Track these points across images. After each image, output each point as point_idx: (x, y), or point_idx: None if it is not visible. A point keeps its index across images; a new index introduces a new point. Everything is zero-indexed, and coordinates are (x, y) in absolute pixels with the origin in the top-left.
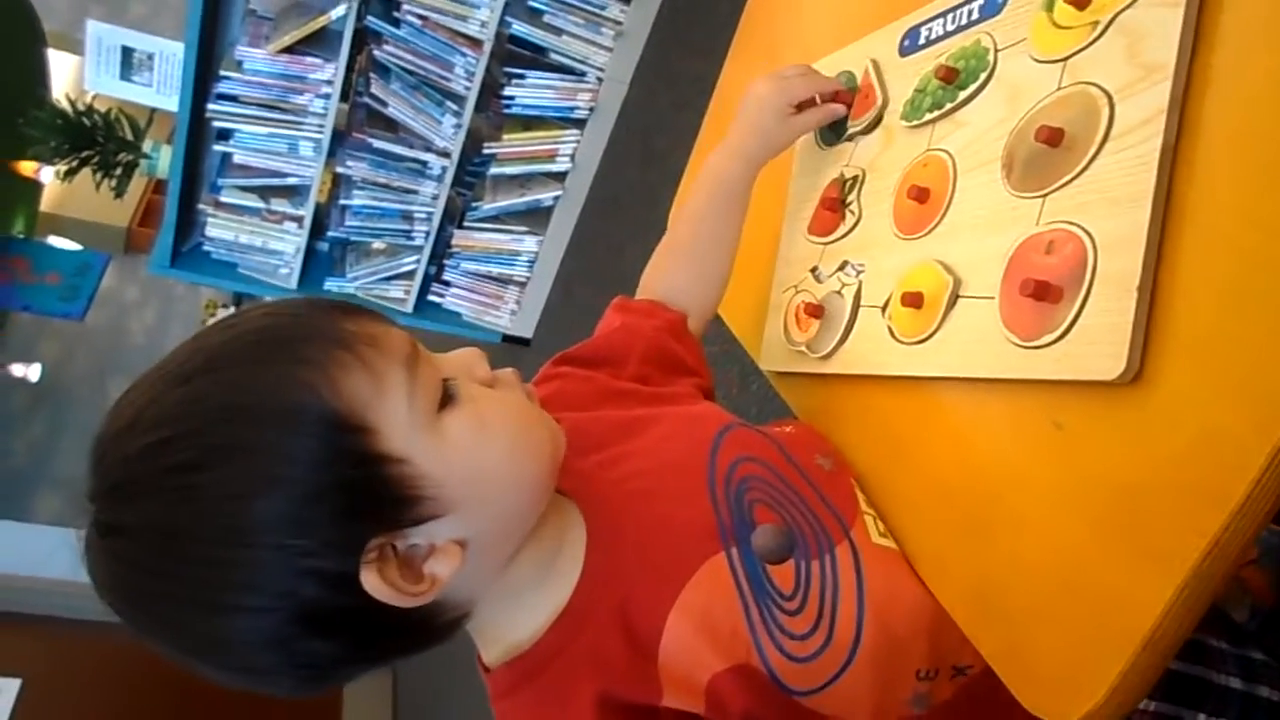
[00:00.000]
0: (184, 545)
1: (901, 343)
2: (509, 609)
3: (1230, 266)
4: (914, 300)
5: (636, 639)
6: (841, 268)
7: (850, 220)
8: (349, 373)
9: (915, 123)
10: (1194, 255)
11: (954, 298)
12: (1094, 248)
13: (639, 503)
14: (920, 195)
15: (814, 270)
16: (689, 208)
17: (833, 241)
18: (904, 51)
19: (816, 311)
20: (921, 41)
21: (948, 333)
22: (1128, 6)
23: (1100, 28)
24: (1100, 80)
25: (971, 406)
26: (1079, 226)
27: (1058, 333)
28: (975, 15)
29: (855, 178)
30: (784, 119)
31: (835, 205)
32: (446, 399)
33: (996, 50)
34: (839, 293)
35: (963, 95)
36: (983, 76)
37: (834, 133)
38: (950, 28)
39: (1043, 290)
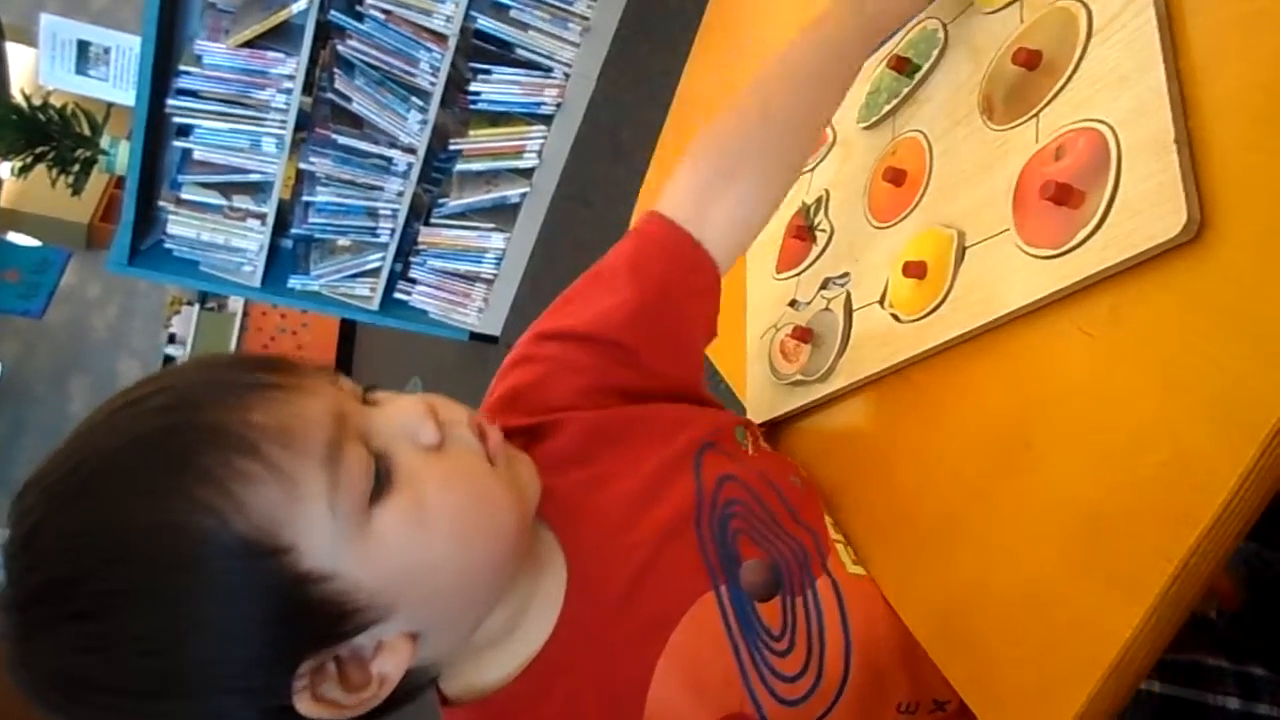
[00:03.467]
0: (97, 696)
1: (910, 322)
2: (476, 654)
3: (1260, 108)
4: (917, 270)
5: (618, 695)
6: (823, 286)
7: (822, 239)
8: (256, 487)
9: (874, 120)
10: (1219, 107)
11: (961, 251)
12: (1111, 130)
13: (624, 535)
14: (897, 177)
15: (792, 303)
16: (776, 70)
17: (807, 267)
18: None
19: (805, 335)
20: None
21: (962, 288)
22: None
23: None
24: None
25: (937, 420)
26: (1087, 120)
27: (1094, 222)
28: None
29: (819, 199)
30: None
31: (803, 233)
32: (381, 484)
33: (945, 26)
34: (826, 309)
35: (919, 75)
36: (935, 53)
37: None
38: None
39: (1064, 193)
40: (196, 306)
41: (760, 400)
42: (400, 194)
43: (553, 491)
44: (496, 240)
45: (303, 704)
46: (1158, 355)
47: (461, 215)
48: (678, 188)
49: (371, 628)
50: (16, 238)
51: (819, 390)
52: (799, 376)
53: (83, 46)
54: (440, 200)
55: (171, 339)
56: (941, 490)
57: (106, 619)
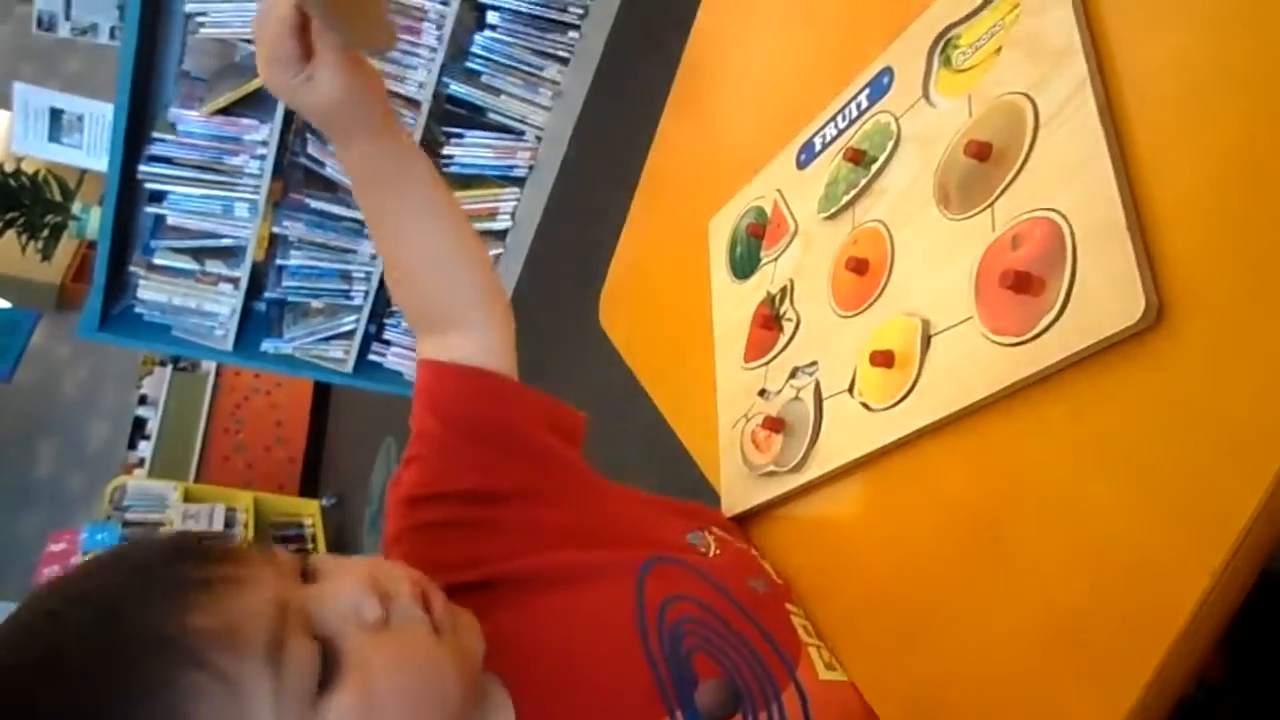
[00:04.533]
0: None
1: (881, 411)
2: None
3: (1208, 189)
4: (884, 359)
5: None
6: (792, 375)
7: (789, 328)
8: (202, 699)
9: (833, 210)
10: (1169, 189)
11: (926, 340)
12: (1064, 218)
13: (569, 670)
14: (859, 266)
15: (762, 393)
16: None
17: (774, 356)
18: (801, 165)
19: (776, 425)
20: (818, 149)
21: (931, 376)
22: (1014, 22)
23: (997, 50)
24: (1012, 87)
25: (908, 510)
26: (1040, 209)
27: (1055, 310)
28: (865, 104)
29: (784, 288)
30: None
31: (769, 322)
32: (328, 670)
33: (897, 119)
34: (796, 398)
35: (875, 166)
36: (890, 145)
37: (748, 266)
38: (842, 125)
39: (1024, 281)
40: (169, 367)
41: (734, 491)
42: (374, 256)
43: (491, 636)
44: None
45: None
46: (1124, 450)
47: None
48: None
49: None
50: None
51: (792, 481)
52: (772, 467)
53: (55, 114)
54: None
55: (143, 400)
56: (914, 582)
57: None
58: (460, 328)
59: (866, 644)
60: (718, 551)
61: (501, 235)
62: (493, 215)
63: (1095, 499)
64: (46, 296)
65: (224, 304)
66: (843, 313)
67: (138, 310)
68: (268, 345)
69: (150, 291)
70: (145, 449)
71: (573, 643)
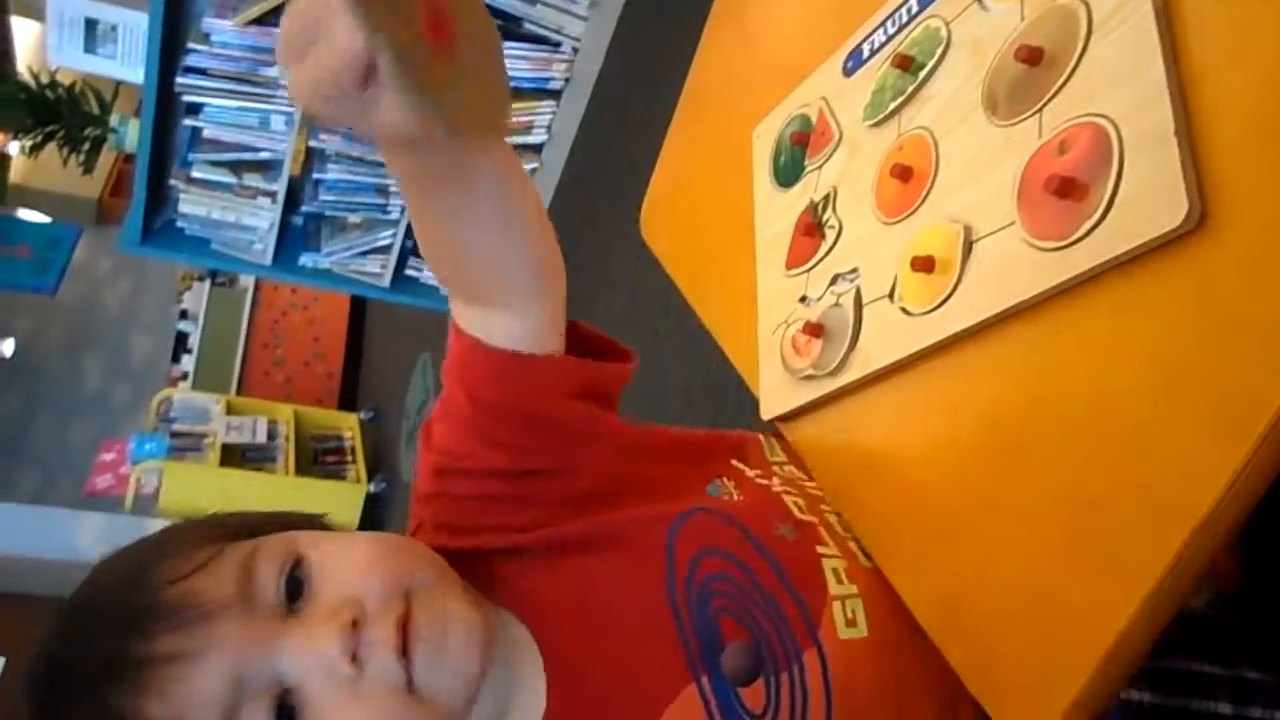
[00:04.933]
0: None
1: (920, 316)
2: None
3: (1257, 97)
4: (925, 264)
5: None
6: (833, 282)
7: (831, 236)
8: None
9: (879, 117)
10: (1218, 95)
11: (968, 245)
12: (1112, 124)
13: (599, 635)
14: (903, 173)
15: (802, 299)
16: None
17: (816, 264)
18: (848, 72)
19: (816, 330)
20: (866, 56)
21: (970, 281)
22: None
23: None
24: None
25: (943, 414)
26: (1089, 115)
27: (1097, 215)
28: (915, 9)
29: (827, 196)
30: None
31: (812, 229)
32: None
33: (948, 24)
34: (837, 304)
35: (923, 73)
36: (939, 50)
37: (791, 174)
38: (892, 30)
39: (1068, 186)
40: (208, 282)
41: (772, 395)
42: None
43: (521, 595)
44: None
45: None
46: (1157, 352)
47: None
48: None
49: None
50: (26, 214)
51: (830, 384)
52: (810, 371)
53: (90, 24)
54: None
55: (184, 315)
56: (946, 483)
57: None
58: (508, 309)
59: (899, 544)
60: (740, 497)
61: (537, 149)
62: (528, 129)
63: (1125, 398)
64: (86, 211)
65: (262, 218)
66: (885, 219)
67: (178, 224)
68: (305, 259)
69: (190, 205)
70: (188, 362)
71: (602, 608)
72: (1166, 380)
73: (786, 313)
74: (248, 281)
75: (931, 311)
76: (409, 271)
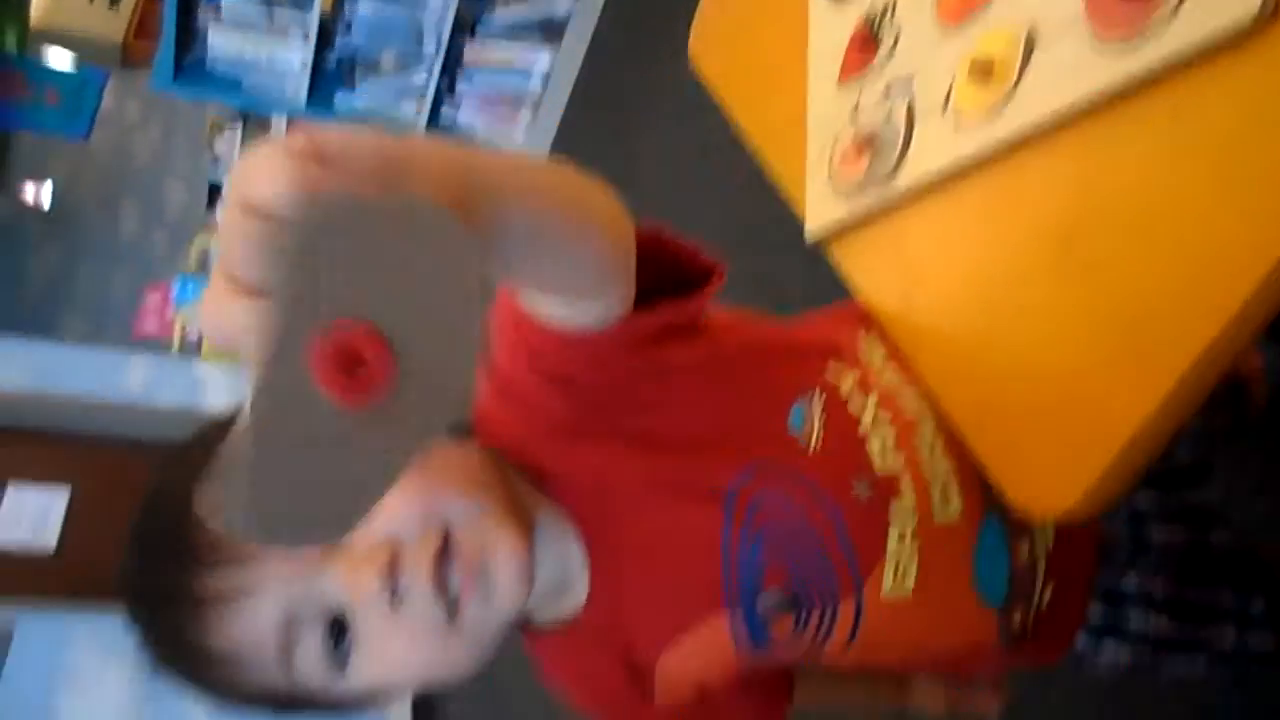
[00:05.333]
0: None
1: (973, 123)
2: (542, 597)
3: None
4: (983, 69)
5: (636, 672)
6: (886, 93)
7: (887, 45)
8: (232, 687)
9: None
10: None
11: (1029, 49)
12: None
13: (645, 562)
14: None
15: (854, 110)
16: None
17: (870, 75)
18: None
19: (866, 143)
20: None
21: (1029, 85)
22: None
23: None
24: None
25: (991, 222)
26: None
27: (1169, 9)
28: None
29: (886, 6)
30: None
31: (868, 40)
32: (342, 650)
33: None
34: (889, 115)
35: None
36: None
37: None
38: None
39: None
40: (240, 127)
41: (819, 210)
42: (445, 7)
43: (581, 476)
44: (544, 58)
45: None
46: (1211, 156)
47: (508, 32)
48: None
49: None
50: (51, 58)
51: (877, 195)
52: (859, 183)
53: None
54: (485, 15)
55: (216, 161)
56: (990, 286)
57: None
58: (580, 303)
59: (938, 344)
60: (820, 438)
61: None
62: None
63: (1176, 198)
64: (111, 54)
65: (294, 56)
66: (946, 26)
67: (209, 64)
68: (340, 99)
69: (220, 42)
70: (220, 211)
71: (655, 534)
72: (1219, 181)
73: (837, 127)
74: (280, 126)
75: (985, 118)
76: (444, 113)
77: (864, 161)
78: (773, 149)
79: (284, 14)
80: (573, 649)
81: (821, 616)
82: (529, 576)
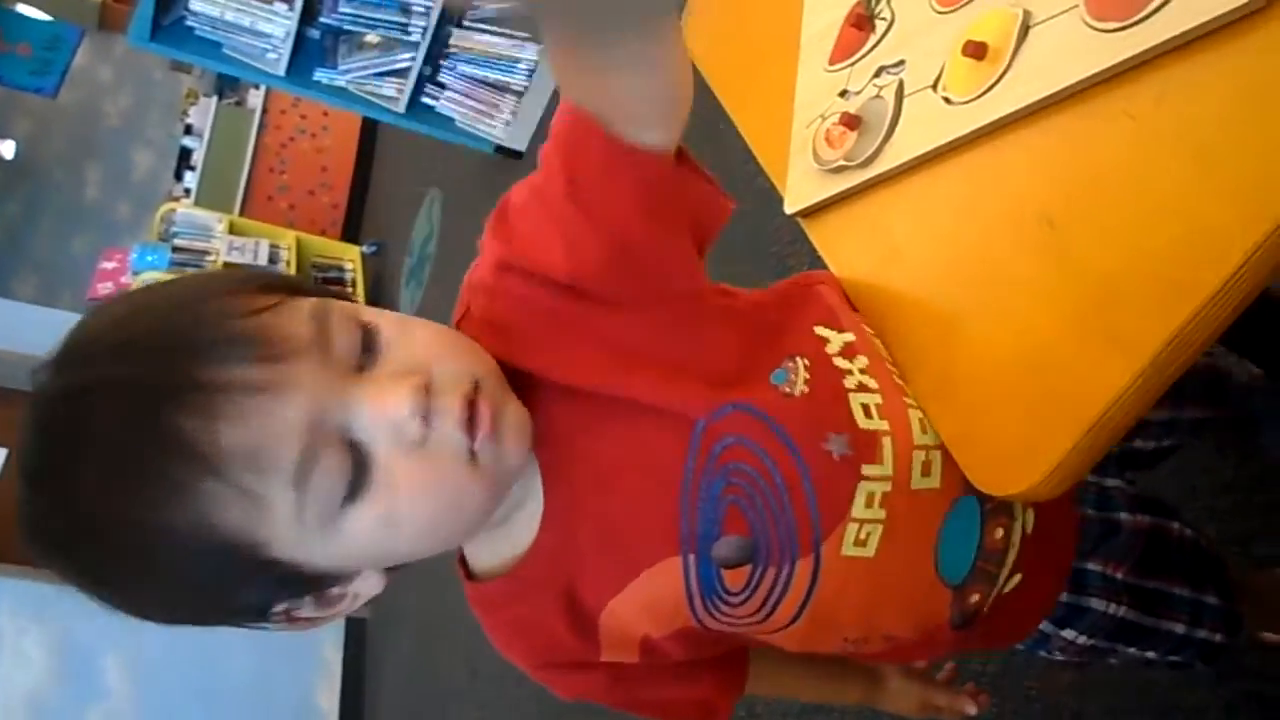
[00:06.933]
0: (104, 594)
1: (962, 104)
2: (473, 541)
3: None
4: (976, 50)
5: (579, 617)
6: (876, 75)
7: (881, 28)
8: (223, 506)
9: None
10: None
11: (1024, 30)
12: None
13: (603, 490)
14: None
15: (843, 93)
16: None
17: (862, 57)
18: None
19: (852, 122)
20: None
21: (1021, 66)
22: None
23: None
24: None
25: (970, 204)
26: None
27: None
28: None
29: None
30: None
31: (862, 21)
32: (358, 481)
33: None
34: (878, 96)
35: None
36: None
37: None
38: None
39: None
40: (214, 98)
41: (800, 187)
42: None
43: (542, 427)
44: (530, 51)
45: (279, 629)
46: (1195, 139)
47: (496, 21)
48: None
49: (341, 584)
50: (27, 10)
51: (859, 175)
52: (841, 162)
53: None
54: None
55: (188, 130)
56: (965, 264)
57: (109, 576)
58: (631, 129)
59: (906, 324)
60: (805, 389)
61: None
62: None
63: (1157, 179)
64: (90, 13)
65: (277, 25)
66: (941, 9)
67: (189, 23)
68: (320, 74)
69: (202, 3)
70: (191, 180)
71: (613, 465)
72: (1201, 164)
73: (824, 107)
74: (256, 102)
75: (975, 99)
76: (425, 99)
77: (848, 141)
78: (756, 132)
79: None
80: (515, 597)
81: (777, 576)
82: (530, 440)
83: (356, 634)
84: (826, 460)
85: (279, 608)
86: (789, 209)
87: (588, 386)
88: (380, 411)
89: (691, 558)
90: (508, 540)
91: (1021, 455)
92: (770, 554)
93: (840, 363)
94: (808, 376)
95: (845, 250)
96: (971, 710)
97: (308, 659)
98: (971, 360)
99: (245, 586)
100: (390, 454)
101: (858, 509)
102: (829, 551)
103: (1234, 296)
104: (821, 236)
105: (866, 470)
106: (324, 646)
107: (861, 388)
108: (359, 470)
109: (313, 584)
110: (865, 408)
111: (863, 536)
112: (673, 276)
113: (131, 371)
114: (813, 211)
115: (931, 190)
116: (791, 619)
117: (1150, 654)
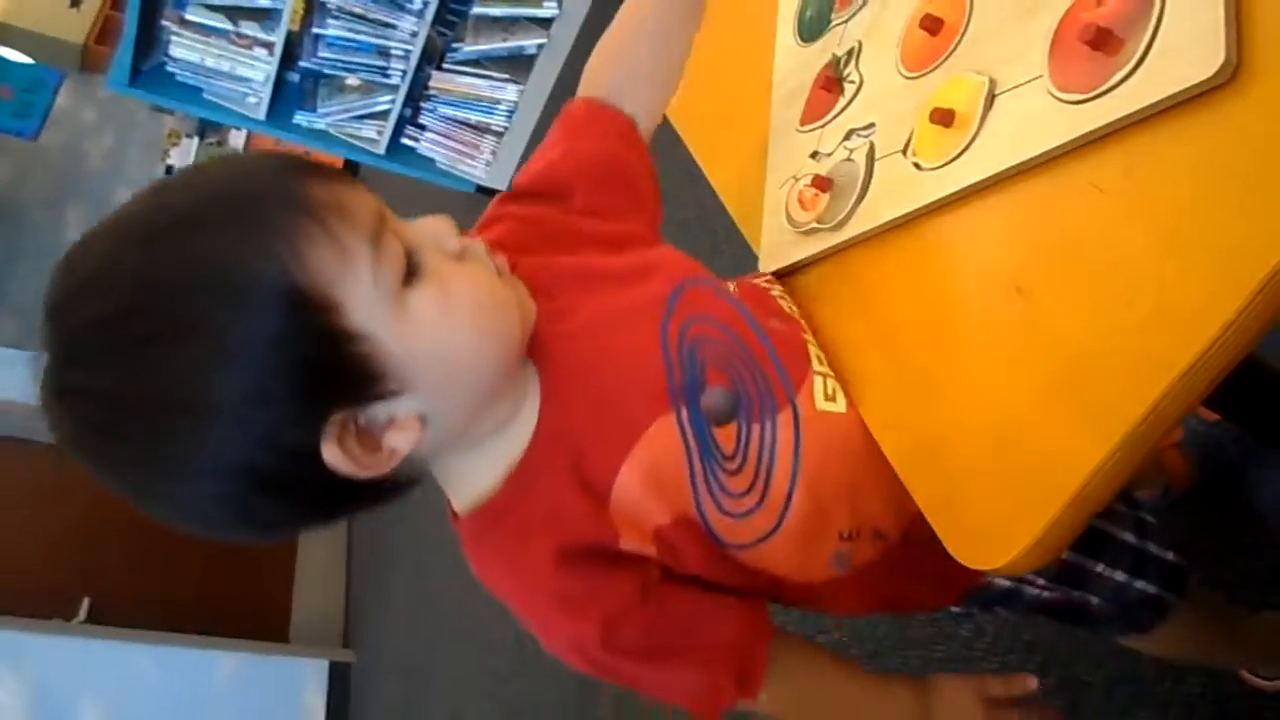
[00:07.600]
0: (140, 415)
1: (931, 170)
2: (469, 459)
3: None
4: (944, 117)
5: (590, 489)
6: (847, 137)
7: (850, 91)
8: (315, 246)
9: None
10: None
11: (990, 99)
12: None
13: (592, 362)
14: (933, 25)
15: (814, 155)
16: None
17: (832, 119)
18: None
19: (824, 184)
20: None
21: (988, 135)
22: None
23: None
24: None
25: (941, 269)
26: None
27: (1129, 67)
28: None
29: (851, 50)
30: None
31: (831, 84)
32: (411, 273)
33: None
34: (849, 159)
35: None
36: None
37: (816, 29)
38: None
39: (1103, 38)
40: (196, 139)
41: (773, 249)
42: (414, 34)
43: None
44: (510, 92)
45: (329, 450)
46: (1165, 213)
47: (475, 63)
48: (590, 87)
49: (390, 399)
50: (8, 53)
51: (832, 238)
52: (814, 224)
53: None
54: (454, 45)
55: (169, 170)
56: (936, 333)
57: (164, 345)
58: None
59: (881, 388)
60: (738, 288)
61: (546, 23)
62: (538, 2)
63: (1126, 252)
64: (71, 56)
65: (258, 69)
66: (909, 74)
67: (169, 69)
68: (301, 118)
69: (182, 49)
70: None
71: (601, 343)
72: (1170, 236)
73: (796, 168)
74: (238, 141)
75: (944, 166)
76: (405, 140)
77: (821, 203)
78: (728, 188)
79: (251, 26)
80: (522, 494)
81: (762, 432)
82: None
83: (340, 679)
84: (775, 329)
85: (334, 417)
86: (764, 269)
87: (577, 264)
88: (424, 225)
89: (684, 411)
90: (511, 441)
91: (999, 529)
92: (751, 406)
93: (759, 282)
94: (735, 283)
95: (821, 311)
96: (1032, 684)
97: (291, 706)
98: (947, 427)
99: (309, 365)
100: (437, 260)
101: (816, 364)
102: (804, 403)
103: (1208, 372)
104: (801, 296)
105: (807, 336)
106: (307, 693)
107: (781, 296)
108: (412, 265)
109: (366, 385)
110: (789, 307)
111: (830, 391)
112: (645, 196)
113: (228, 161)
114: (788, 272)
115: (905, 253)
116: (785, 502)
117: (1094, 599)
